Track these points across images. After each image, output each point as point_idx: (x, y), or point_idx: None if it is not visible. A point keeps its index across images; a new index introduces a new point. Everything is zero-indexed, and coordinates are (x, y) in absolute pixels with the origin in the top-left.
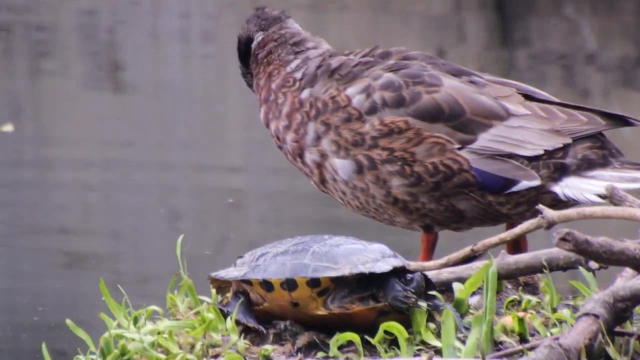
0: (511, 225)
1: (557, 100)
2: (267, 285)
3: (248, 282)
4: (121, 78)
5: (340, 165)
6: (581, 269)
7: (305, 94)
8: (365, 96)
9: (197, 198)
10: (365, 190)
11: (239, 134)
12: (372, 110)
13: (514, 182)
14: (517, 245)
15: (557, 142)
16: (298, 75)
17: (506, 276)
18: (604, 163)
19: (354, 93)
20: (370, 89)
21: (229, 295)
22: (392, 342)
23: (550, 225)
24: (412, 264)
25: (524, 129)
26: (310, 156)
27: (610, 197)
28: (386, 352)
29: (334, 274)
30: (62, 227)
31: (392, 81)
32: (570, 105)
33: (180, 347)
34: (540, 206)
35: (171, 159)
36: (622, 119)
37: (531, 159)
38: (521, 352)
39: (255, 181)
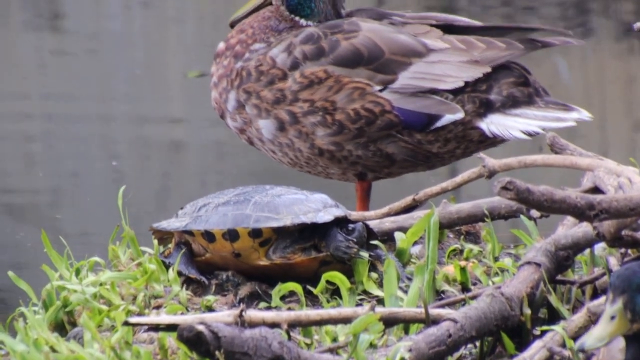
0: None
1: (479, 24)
2: (209, 235)
3: (190, 232)
4: (61, 25)
5: (263, 125)
6: (523, 217)
7: (239, 63)
8: (287, 54)
9: (138, 149)
10: (291, 145)
11: (179, 84)
12: (294, 65)
13: (437, 117)
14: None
15: (476, 72)
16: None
17: (448, 225)
18: (528, 101)
19: (277, 53)
20: (291, 46)
21: (170, 246)
22: (334, 292)
23: (492, 174)
24: (354, 214)
25: (443, 63)
26: (232, 123)
27: (552, 146)
28: (328, 301)
29: (275, 224)
30: (3, 177)
31: (312, 34)
32: (490, 27)
33: (123, 298)
34: (482, 155)
35: (112, 111)
36: (540, 42)
37: (456, 94)
38: (463, 301)
39: (196, 132)
